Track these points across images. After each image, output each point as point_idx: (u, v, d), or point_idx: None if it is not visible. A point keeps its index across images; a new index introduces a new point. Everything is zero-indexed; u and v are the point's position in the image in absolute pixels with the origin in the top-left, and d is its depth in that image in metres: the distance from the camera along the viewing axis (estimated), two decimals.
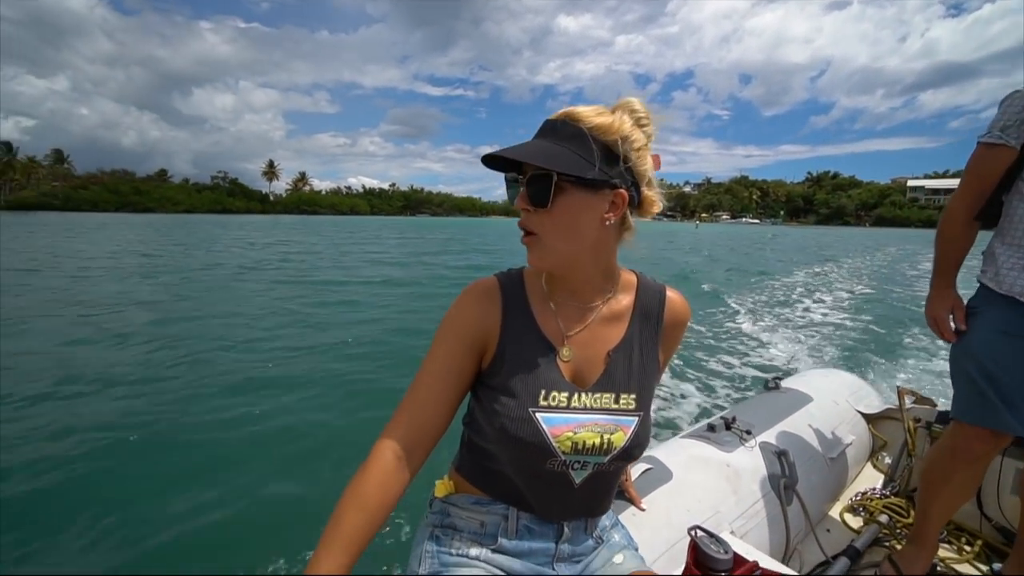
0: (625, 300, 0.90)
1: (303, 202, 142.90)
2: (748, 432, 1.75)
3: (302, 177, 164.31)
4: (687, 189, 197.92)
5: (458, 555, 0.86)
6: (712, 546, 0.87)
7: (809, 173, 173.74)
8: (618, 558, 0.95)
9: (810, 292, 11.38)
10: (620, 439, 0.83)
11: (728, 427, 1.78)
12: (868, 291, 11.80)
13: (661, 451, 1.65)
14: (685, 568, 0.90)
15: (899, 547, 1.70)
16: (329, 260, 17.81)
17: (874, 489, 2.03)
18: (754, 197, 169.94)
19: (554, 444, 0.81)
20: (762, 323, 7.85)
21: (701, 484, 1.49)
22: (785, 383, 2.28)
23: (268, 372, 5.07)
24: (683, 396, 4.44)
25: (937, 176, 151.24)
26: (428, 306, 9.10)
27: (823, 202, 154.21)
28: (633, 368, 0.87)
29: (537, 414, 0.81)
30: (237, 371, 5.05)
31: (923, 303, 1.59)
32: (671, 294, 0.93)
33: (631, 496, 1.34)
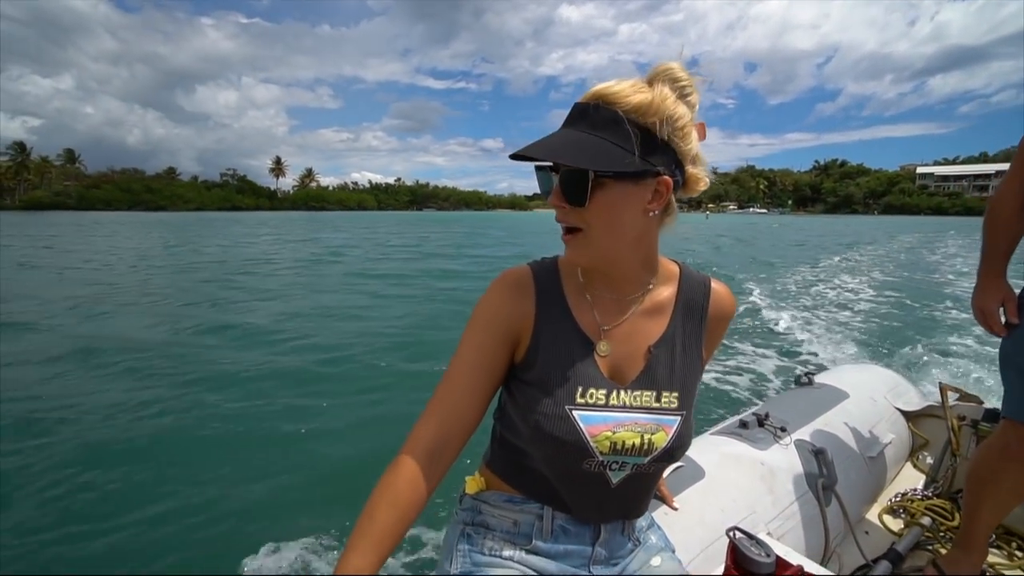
0: (667, 292, 0.84)
1: (311, 198, 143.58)
2: (783, 429, 1.70)
3: (309, 173, 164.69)
4: None
5: (491, 555, 0.83)
6: (753, 548, 0.84)
7: (816, 162, 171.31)
8: (655, 560, 0.92)
9: (835, 282, 11.16)
10: (662, 439, 0.79)
11: (761, 424, 1.73)
12: (894, 279, 11.59)
13: (692, 448, 1.58)
14: (725, 570, 0.86)
15: (943, 551, 1.63)
16: (378, 253, 18.49)
17: (915, 490, 1.96)
18: (761, 187, 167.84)
19: (592, 444, 0.77)
20: (788, 315, 7.74)
21: (735, 483, 1.45)
22: (819, 378, 2.21)
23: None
24: (710, 389, 4.37)
25: (947, 163, 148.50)
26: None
27: (831, 191, 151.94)
28: (675, 365, 0.82)
29: (574, 412, 0.77)
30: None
31: (960, 292, 1.50)
32: (716, 286, 0.87)
33: (663, 495, 1.30)
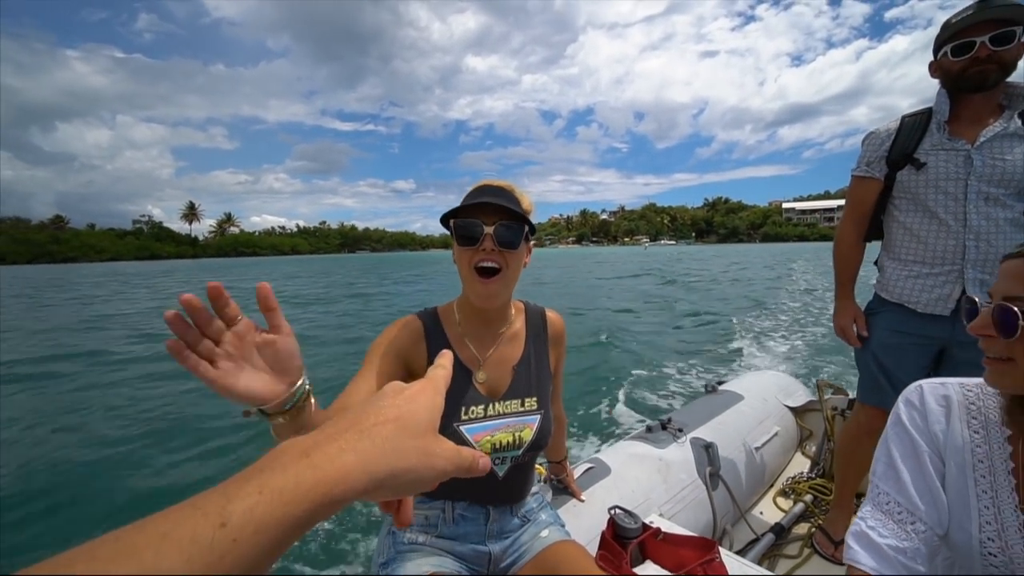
0: (518, 323, 1.06)
1: (240, 244, 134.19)
2: (680, 430, 1.85)
3: (228, 218, 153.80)
4: (604, 216, 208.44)
5: (409, 543, 1.01)
6: (626, 519, 1.03)
7: (706, 199, 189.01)
8: (544, 532, 1.08)
9: (751, 303, 11.73)
10: (528, 434, 1.00)
11: (664, 427, 1.88)
12: (793, 301, 12.24)
13: (605, 452, 1.74)
14: (602, 536, 1.03)
15: (822, 520, 1.82)
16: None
17: (801, 473, 2.15)
18: (665, 221, 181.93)
19: (477, 448, 0.93)
20: (719, 334, 8.04)
21: (636, 477, 1.58)
22: (724, 386, 2.39)
23: None
24: (641, 404, 4.60)
25: (802, 199, 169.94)
26: None
27: (721, 224, 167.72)
28: (532, 376, 1.03)
29: (461, 427, 0.94)
30: None
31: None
32: (550, 314, 1.11)
33: (572, 491, 1.46)
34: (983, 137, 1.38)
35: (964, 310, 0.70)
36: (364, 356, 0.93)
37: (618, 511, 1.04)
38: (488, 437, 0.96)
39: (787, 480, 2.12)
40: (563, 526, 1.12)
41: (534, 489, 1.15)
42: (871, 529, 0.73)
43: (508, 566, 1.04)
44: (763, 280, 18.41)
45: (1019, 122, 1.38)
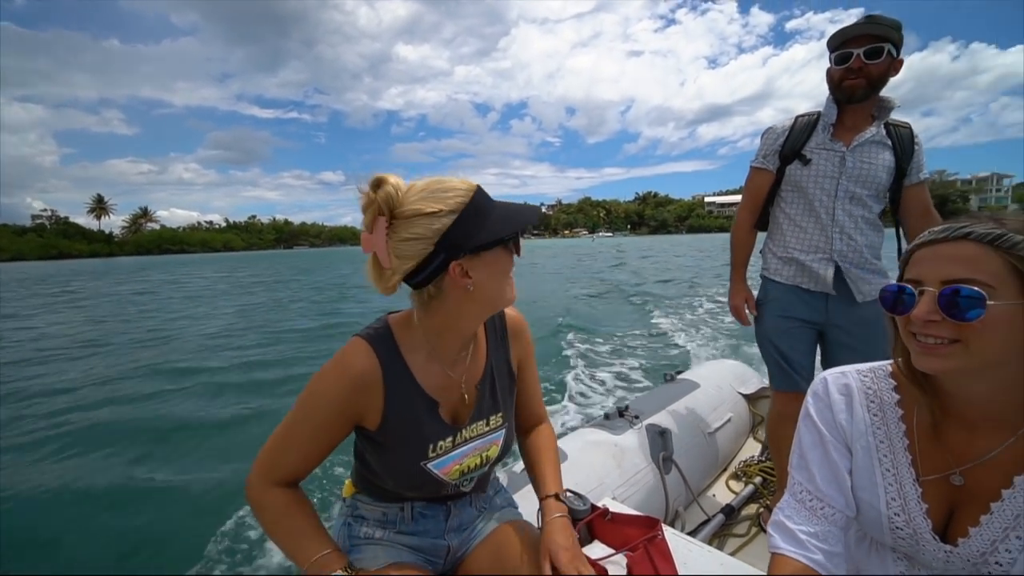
0: (480, 334, 0.93)
1: (165, 240, 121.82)
2: (636, 417, 1.87)
3: (145, 212, 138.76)
4: (544, 210, 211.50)
5: (365, 538, 0.93)
6: (575, 501, 1.02)
7: (637, 193, 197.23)
8: (498, 515, 1.03)
9: (705, 291, 12.04)
10: (495, 451, 0.94)
11: (621, 415, 1.89)
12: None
13: (563, 440, 1.73)
14: None
15: (769, 501, 1.91)
16: None
17: (753, 457, 2.22)
18: (601, 215, 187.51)
19: (446, 479, 0.88)
20: (677, 324, 8.07)
21: (591, 463, 1.58)
22: (682, 375, 2.42)
23: None
24: (605, 394, 4.64)
25: (721, 193, 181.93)
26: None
27: (651, 216, 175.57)
28: (496, 392, 0.94)
29: (428, 465, 0.85)
30: None
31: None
32: (508, 311, 0.98)
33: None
34: (856, 141, 1.51)
35: (888, 298, 0.68)
36: (296, 400, 0.79)
37: (568, 494, 1.03)
38: (457, 466, 0.89)
39: (739, 464, 2.18)
40: (515, 507, 1.09)
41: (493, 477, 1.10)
42: (787, 518, 0.77)
43: (464, 555, 1.00)
44: (718, 267, 19.03)
45: (884, 131, 1.52)
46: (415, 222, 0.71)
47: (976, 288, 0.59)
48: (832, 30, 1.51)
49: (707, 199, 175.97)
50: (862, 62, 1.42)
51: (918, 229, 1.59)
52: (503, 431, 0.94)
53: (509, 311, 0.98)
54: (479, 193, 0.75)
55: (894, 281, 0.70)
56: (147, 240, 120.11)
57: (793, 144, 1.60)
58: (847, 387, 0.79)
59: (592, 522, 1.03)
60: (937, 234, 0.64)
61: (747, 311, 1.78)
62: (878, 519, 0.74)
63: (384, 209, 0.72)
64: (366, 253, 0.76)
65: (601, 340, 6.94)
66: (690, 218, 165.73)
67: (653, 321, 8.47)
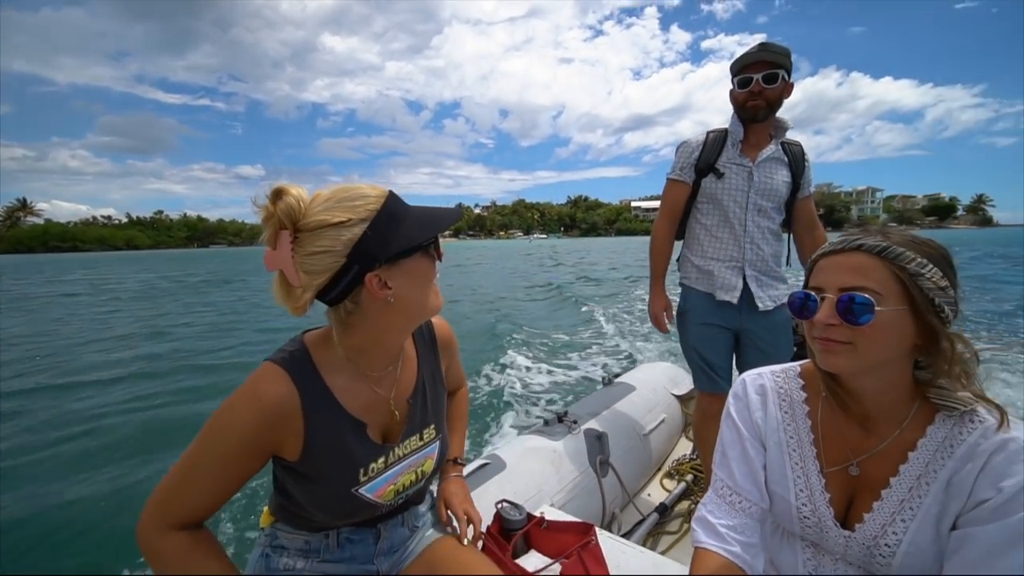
0: (408, 347, 0.90)
1: (52, 237, 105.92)
2: (575, 422, 1.88)
3: (24, 204, 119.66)
4: (478, 211, 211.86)
5: (285, 569, 0.85)
6: (511, 512, 1.01)
7: (569, 196, 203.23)
8: (431, 532, 0.99)
9: (644, 292, 12.05)
10: (430, 465, 0.91)
11: (560, 420, 1.90)
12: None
13: (502, 448, 1.71)
14: (487, 531, 1.02)
15: (699, 497, 2.00)
16: None
17: (685, 456, 2.30)
18: (535, 217, 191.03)
19: (380, 502, 0.83)
20: (617, 325, 8.17)
21: (529, 470, 1.58)
22: (620, 379, 2.47)
23: None
24: (547, 400, 4.60)
25: (646, 199, 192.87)
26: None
27: (583, 219, 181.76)
28: (428, 404, 0.90)
29: (360, 490, 0.79)
30: None
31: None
32: (435, 321, 0.96)
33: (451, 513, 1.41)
34: (760, 158, 1.63)
35: (795, 304, 0.73)
36: (199, 433, 0.70)
37: (504, 504, 1.02)
38: (391, 487, 0.83)
39: (673, 463, 2.25)
40: (448, 523, 1.05)
41: None
42: (709, 513, 0.81)
43: None
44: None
45: (781, 150, 1.66)
46: (322, 234, 0.66)
47: (866, 295, 0.65)
48: (741, 52, 1.62)
49: (633, 204, 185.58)
50: (761, 86, 1.54)
51: (804, 238, 1.77)
52: (437, 443, 0.91)
53: (436, 319, 0.95)
54: (391, 199, 0.71)
55: (793, 287, 0.75)
56: (29, 236, 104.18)
57: (707, 158, 1.68)
58: (762, 387, 0.84)
59: (528, 532, 1.03)
60: (835, 246, 0.71)
61: (665, 319, 1.85)
62: (788, 510, 0.79)
63: (286, 222, 0.66)
64: (270, 271, 0.69)
65: (543, 343, 6.96)
66: (618, 221, 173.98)
67: (594, 322, 8.57)
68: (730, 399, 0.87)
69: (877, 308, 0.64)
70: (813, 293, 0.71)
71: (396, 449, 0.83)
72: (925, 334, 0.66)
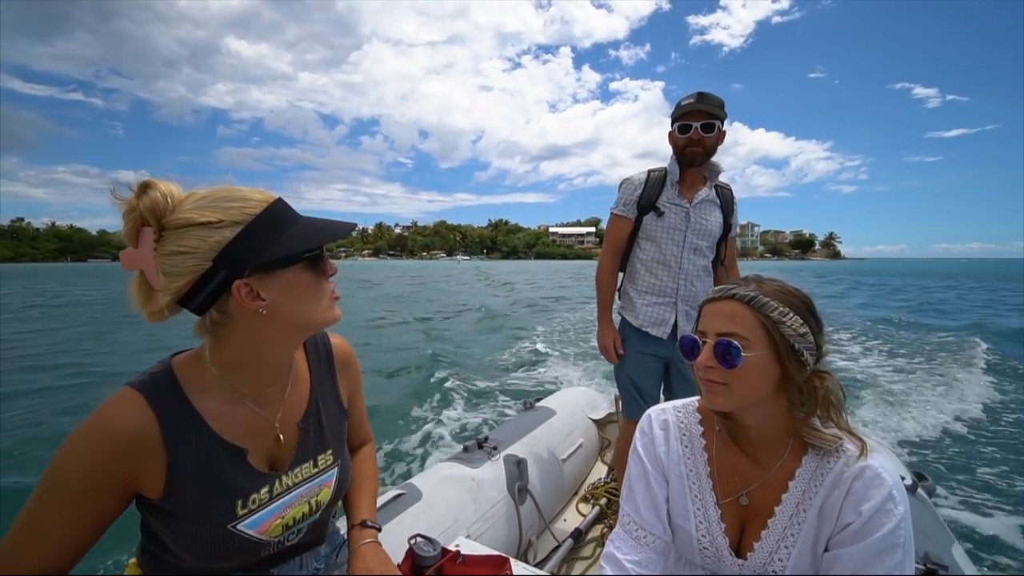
0: (300, 364, 0.81)
1: None
2: (495, 448, 1.82)
3: None
4: (399, 230, 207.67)
5: None
6: (424, 547, 0.96)
7: (490, 220, 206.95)
8: (338, 572, 0.90)
9: (571, 315, 12.10)
10: (326, 494, 0.80)
11: (480, 446, 1.82)
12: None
13: (419, 477, 1.63)
14: (399, 567, 0.94)
15: (612, 522, 1.95)
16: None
17: (600, 480, 2.28)
18: (457, 238, 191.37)
19: (264, 539, 0.72)
20: (544, 348, 8.07)
21: (446, 500, 1.51)
22: (540, 403, 2.44)
23: None
24: (463, 424, 4.44)
25: (563, 225, 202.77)
26: None
27: (503, 242, 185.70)
28: (324, 427, 0.81)
29: (239, 526, 0.69)
30: None
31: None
32: (334, 339, 0.89)
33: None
34: (696, 199, 1.71)
35: (686, 346, 0.77)
36: (43, 473, 0.61)
37: (418, 540, 0.96)
38: (278, 520, 0.73)
39: (589, 487, 2.23)
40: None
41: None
42: (617, 549, 0.82)
43: None
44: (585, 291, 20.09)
45: (715, 192, 1.75)
46: (186, 233, 0.60)
47: (736, 342, 0.70)
48: (643, 96, 1.82)
49: (551, 229, 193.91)
50: (700, 134, 1.62)
51: (723, 276, 1.84)
52: (335, 470, 0.81)
53: (335, 339, 0.88)
54: (277, 206, 0.65)
55: None
56: None
57: (648, 196, 1.72)
58: (666, 422, 0.87)
59: (442, 567, 0.98)
60: (715, 293, 0.77)
61: (615, 349, 1.84)
62: (689, 541, 0.81)
63: (149, 218, 0.60)
64: (127, 270, 0.62)
65: (469, 367, 6.80)
66: (537, 245, 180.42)
67: (526, 345, 8.51)
68: (636, 434, 0.89)
69: (744, 354, 0.69)
70: (698, 337, 0.76)
71: (283, 478, 0.73)
72: (790, 375, 0.71)
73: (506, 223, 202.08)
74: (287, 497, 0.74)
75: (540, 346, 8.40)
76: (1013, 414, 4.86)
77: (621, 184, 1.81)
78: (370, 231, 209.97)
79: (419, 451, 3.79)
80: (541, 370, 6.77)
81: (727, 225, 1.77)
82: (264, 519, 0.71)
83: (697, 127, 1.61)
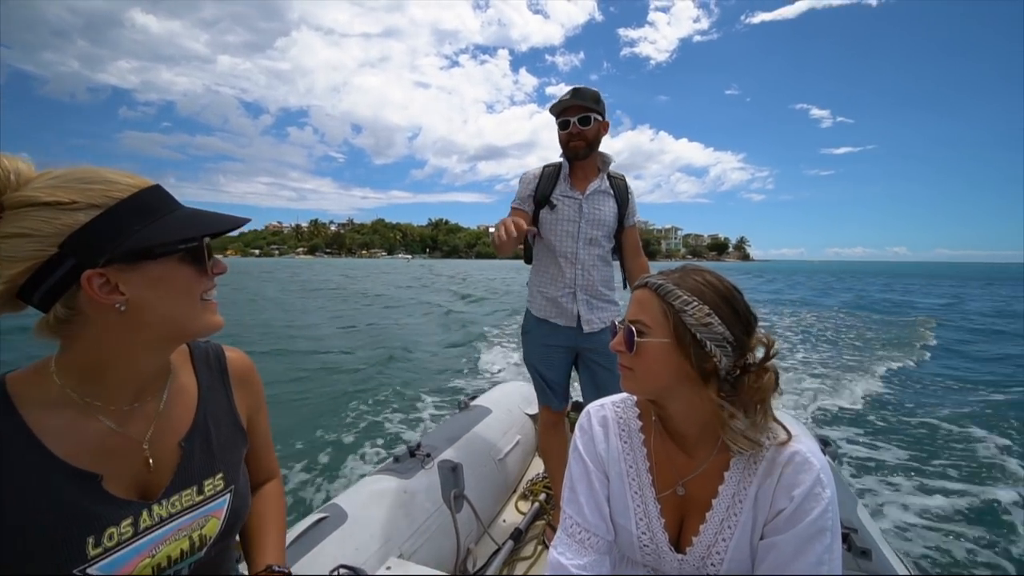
0: (185, 377, 0.70)
1: None
2: (428, 455, 1.70)
3: None
4: (335, 228, 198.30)
5: None
6: None
7: (430, 219, 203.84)
8: None
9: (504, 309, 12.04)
10: (215, 526, 0.67)
11: (413, 454, 1.69)
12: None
13: (344, 495, 1.49)
14: None
15: (550, 516, 1.91)
16: None
17: (538, 475, 2.20)
18: (397, 237, 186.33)
19: None
20: (481, 346, 8.01)
21: (376, 518, 1.38)
22: (476, 401, 2.33)
23: None
24: (393, 430, 4.17)
25: None
26: None
27: (444, 241, 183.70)
28: (214, 447, 0.69)
29: (90, 570, 0.56)
30: None
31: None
32: (229, 353, 0.77)
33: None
34: (588, 191, 1.72)
35: (610, 331, 0.78)
36: None
37: (342, 571, 0.86)
38: (147, 559, 0.60)
39: (527, 483, 2.16)
40: None
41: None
42: (561, 555, 0.79)
43: None
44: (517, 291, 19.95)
45: (608, 183, 1.77)
46: (27, 214, 0.51)
47: (634, 327, 0.71)
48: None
49: (491, 229, 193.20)
50: (578, 128, 1.65)
51: (629, 264, 1.88)
52: (227, 496, 0.68)
53: (232, 353, 0.77)
54: (152, 192, 0.57)
55: (623, 308, 0.78)
56: None
57: (543, 190, 1.74)
58: (605, 419, 0.84)
59: None
60: (638, 281, 0.77)
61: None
62: (630, 539, 0.79)
63: None
64: None
65: (404, 368, 6.58)
66: (477, 245, 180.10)
67: (472, 344, 8.37)
68: (576, 432, 0.86)
69: (638, 339, 0.70)
70: (618, 324, 0.76)
71: (155, 508, 0.61)
72: (704, 366, 0.69)
73: (446, 223, 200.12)
74: (160, 531, 0.61)
75: (485, 345, 8.31)
76: (891, 385, 5.68)
77: (520, 179, 1.82)
78: (305, 228, 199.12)
79: (345, 466, 3.44)
80: (487, 365, 6.66)
81: (622, 214, 1.80)
82: (127, 559, 0.58)
83: (575, 121, 1.65)
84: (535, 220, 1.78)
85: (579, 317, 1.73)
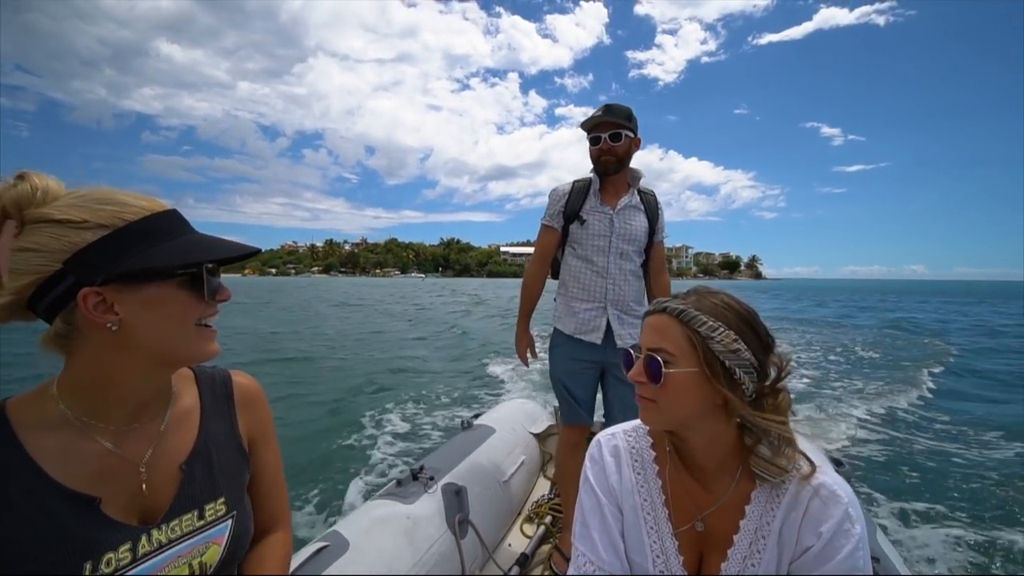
0: (188, 399, 0.70)
1: None
2: (431, 478, 1.64)
3: None
4: (349, 247, 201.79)
5: None
6: None
7: (442, 238, 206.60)
8: None
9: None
10: (215, 553, 0.66)
11: (416, 477, 1.63)
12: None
13: (344, 522, 1.44)
14: None
15: (557, 540, 1.84)
16: None
17: (543, 496, 2.13)
18: (410, 256, 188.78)
19: None
20: (490, 365, 7.86)
21: (379, 546, 1.33)
22: (479, 420, 2.28)
23: None
24: (398, 450, 4.06)
25: (514, 244, 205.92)
26: None
27: (456, 260, 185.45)
28: (215, 470, 0.68)
29: None
30: None
31: None
32: (237, 377, 0.77)
33: None
34: (619, 206, 1.73)
35: (623, 359, 0.75)
36: None
37: None
38: None
39: (532, 505, 2.10)
40: None
41: None
42: None
43: None
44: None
45: (638, 198, 1.77)
46: (39, 229, 0.53)
47: (658, 357, 0.66)
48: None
49: (503, 248, 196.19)
50: (609, 144, 1.66)
51: (652, 281, 1.87)
52: (229, 523, 0.67)
53: (240, 377, 0.77)
54: (165, 216, 0.58)
55: None
56: None
57: (573, 206, 1.75)
58: (616, 448, 0.80)
59: None
60: (651, 307, 0.73)
61: (529, 356, 1.91)
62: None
63: (12, 210, 0.54)
64: None
65: (408, 387, 6.51)
66: (489, 264, 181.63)
67: (482, 363, 8.18)
68: (587, 463, 0.83)
69: (666, 370, 0.66)
70: (633, 352, 0.72)
71: (154, 532, 0.60)
72: (730, 392, 0.65)
73: (458, 242, 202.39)
74: (159, 557, 0.60)
75: (489, 360, 8.19)
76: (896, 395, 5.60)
77: (550, 195, 1.84)
78: (320, 247, 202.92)
79: (346, 489, 3.30)
80: (498, 384, 6.58)
81: (652, 229, 1.81)
82: None
83: (606, 137, 1.67)
84: (564, 235, 1.80)
85: (611, 331, 1.72)
